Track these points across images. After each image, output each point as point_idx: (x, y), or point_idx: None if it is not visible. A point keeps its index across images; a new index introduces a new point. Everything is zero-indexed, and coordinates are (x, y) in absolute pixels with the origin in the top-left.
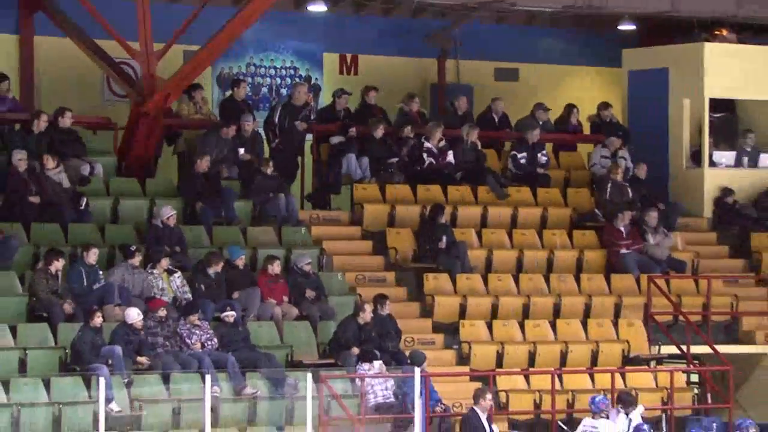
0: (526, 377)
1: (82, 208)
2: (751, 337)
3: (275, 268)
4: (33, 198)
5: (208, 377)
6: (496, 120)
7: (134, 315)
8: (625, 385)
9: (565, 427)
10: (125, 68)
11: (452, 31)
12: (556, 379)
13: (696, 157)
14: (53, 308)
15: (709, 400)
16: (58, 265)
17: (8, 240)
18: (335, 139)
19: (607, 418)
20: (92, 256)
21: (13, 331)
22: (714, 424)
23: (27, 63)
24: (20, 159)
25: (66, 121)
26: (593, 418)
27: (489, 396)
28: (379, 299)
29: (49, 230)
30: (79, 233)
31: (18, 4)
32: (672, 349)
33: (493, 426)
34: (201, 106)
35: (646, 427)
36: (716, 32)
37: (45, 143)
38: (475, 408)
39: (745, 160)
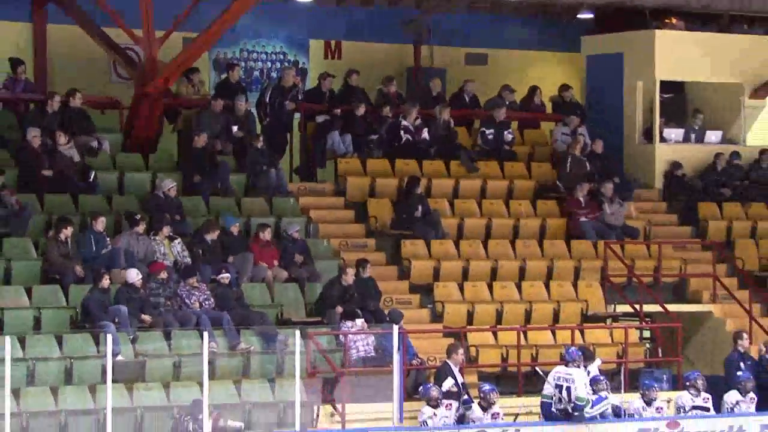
0: (494, 333)
1: (91, 180)
2: (698, 296)
3: (266, 234)
4: (46, 171)
5: (205, 334)
6: (467, 100)
7: (134, 275)
8: (584, 341)
9: (541, 372)
10: (130, 53)
11: (427, 20)
12: (521, 335)
13: (648, 134)
14: (65, 271)
15: (660, 354)
16: (67, 232)
17: (23, 209)
18: (320, 118)
19: (578, 367)
20: (100, 224)
21: (29, 292)
22: (665, 376)
23: (40, 49)
24: (34, 136)
25: (76, 102)
26: (566, 366)
27: (461, 351)
28: (361, 263)
29: (61, 200)
30: (88, 203)
31: None
32: (626, 308)
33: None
34: (198, 87)
35: (602, 378)
36: (666, 20)
37: (57, 121)
38: (448, 361)
39: (693, 136)
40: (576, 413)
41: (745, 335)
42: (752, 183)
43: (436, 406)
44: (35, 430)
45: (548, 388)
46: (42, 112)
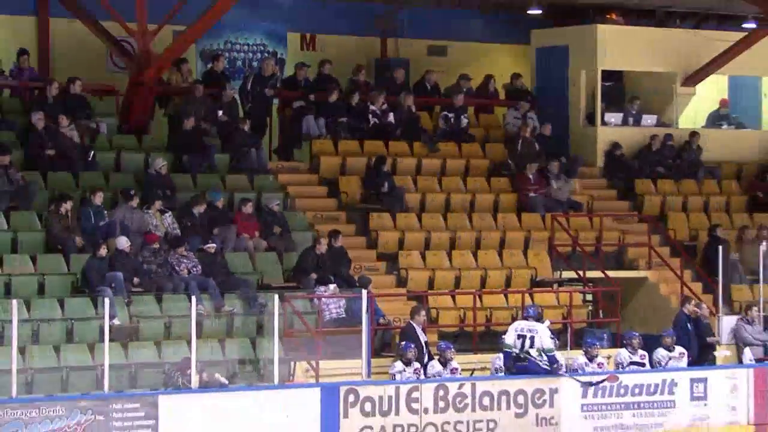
0: (453, 297)
1: (90, 159)
2: (635, 264)
3: (248, 208)
4: (49, 151)
5: (193, 297)
6: (428, 88)
7: (123, 242)
8: (533, 303)
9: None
10: (125, 45)
11: (393, 15)
12: (477, 299)
13: (590, 118)
14: (66, 242)
15: (601, 315)
16: (66, 206)
17: (29, 186)
18: (297, 104)
19: (537, 321)
20: (98, 198)
21: (34, 260)
22: (605, 335)
23: (44, 40)
24: (38, 119)
25: (76, 88)
26: (527, 320)
27: (423, 312)
28: (333, 234)
29: (63, 177)
30: (88, 180)
31: None
32: (571, 274)
33: (425, 336)
34: (187, 76)
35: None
36: (607, 16)
37: (59, 106)
38: (411, 322)
39: (630, 120)
40: (554, 365)
41: (693, 300)
42: (683, 162)
43: (407, 364)
44: (39, 384)
45: (510, 339)
46: (45, 98)
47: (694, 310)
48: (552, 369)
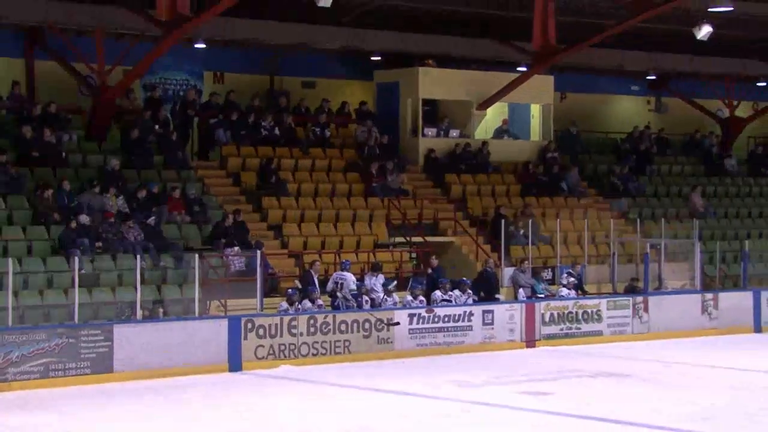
0: (320, 255)
1: (64, 158)
2: (445, 232)
3: (176, 193)
4: (35, 153)
5: (138, 256)
6: (303, 110)
7: (84, 218)
8: (376, 259)
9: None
10: (89, 79)
11: (277, 59)
12: (337, 256)
13: (414, 131)
14: (47, 217)
15: (422, 268)
16: (47, 192)
17: (21, 177)
18: (211, 121)
19: (349, 272)
20: (68, 185)
21: (24, 230)
22: (424, 281)
23: (30, 76)
24: (27, 130)
25: (52, 109)
26: (342, 271)
27: (317, 263)
28: (236, 212)
29: (45, 171)
30: (63, 173)
31: (23, 40)
32: (401, 239)
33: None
34: (133, 101)
35: (390, 283)
36: (425, 61)
37: (41, 121)
38: (311, 270)
39: (442, 133)
40: (359, 299)
41: (491, 261)
42: (478, 162)
43: (291, 304)
44: (29, 317)
45: (330, 286)
46: (31, 115)
47: (485, 263)
48: (357, 302)
